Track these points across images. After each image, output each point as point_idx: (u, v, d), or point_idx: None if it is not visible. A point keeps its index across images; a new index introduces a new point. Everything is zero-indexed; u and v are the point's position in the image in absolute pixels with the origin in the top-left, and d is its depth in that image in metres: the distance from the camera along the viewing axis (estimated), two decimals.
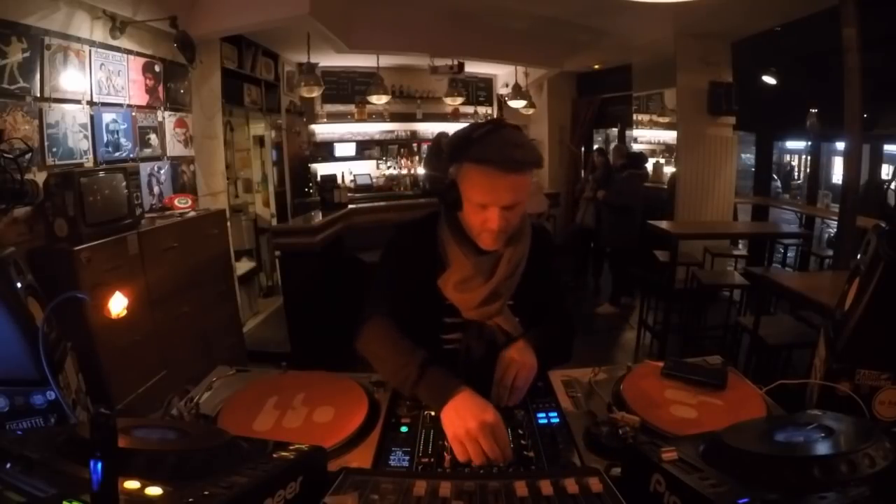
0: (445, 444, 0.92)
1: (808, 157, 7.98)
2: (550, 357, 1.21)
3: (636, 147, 6.29)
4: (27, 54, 2.36)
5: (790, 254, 5.54)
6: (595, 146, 7.46)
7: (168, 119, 3.46)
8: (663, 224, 4.29)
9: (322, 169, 6.09)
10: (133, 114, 3.11)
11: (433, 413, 1.01)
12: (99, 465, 0.49)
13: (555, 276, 1.35)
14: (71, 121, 2.63)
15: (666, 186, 5.78)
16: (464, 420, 0.91)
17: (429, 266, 1.20)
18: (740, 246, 5.17)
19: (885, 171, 5.86)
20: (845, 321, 1.03)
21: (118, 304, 1.29)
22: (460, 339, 1.21)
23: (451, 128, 5.66)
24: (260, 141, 5.29)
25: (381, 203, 5.25)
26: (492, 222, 1.10)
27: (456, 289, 1.18)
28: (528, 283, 1.23)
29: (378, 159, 6.86)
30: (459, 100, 6.35)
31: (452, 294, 1.18)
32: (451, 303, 1.20)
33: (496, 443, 0.88)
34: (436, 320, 1.21)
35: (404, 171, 6.86)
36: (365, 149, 6.79)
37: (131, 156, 3.10)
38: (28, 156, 2.25)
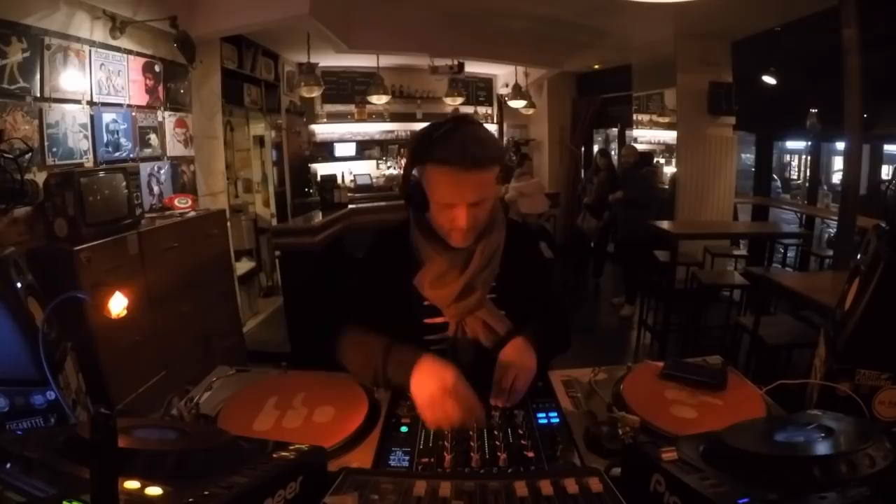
0: (445, 444, 0.92)
1: (808, 157, 7.98)
2: (550, 352, 1.21)
3: (637, 147, 6.31)
4: (27, 54, 2.36)
5: (790, 254, 5.54)
6: (595, 146, 7.46)
7: (168, 119, 3.46)
8: (663, 224, 4.30)
9: (322, 169, 6.10)
10: (133, 114, 3.11)
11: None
12: (99, 465, 0.49)
13: (544, 269, 1.34)
14: (71, 121, 2.63)
15: (666, 186, 5.80)
16: (427, 387, 0.94)
17: (405, 269, 1.20)
18: (741, 246, 5.18)
19: (885, 171, 5.86)
20: (845, 321, 1.03)
21: (118, 304, 1.29)
22: (445, 339, 1.21)
23: None
24: (260, 141, 5.29)
25: (381, 203, 5.25)
26: (459, 220, 1.10)
27: (432, 286, 1.18)
28: (509, 275, 1.23)
29: (378, 159, 6.87)
30: (459, 100, 6.36)
31: (429, 292, 1.18)
32: (431, 303, 1.20)
33: (460, 404, 0.91)
34: (417, 322, 1.21)
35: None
36: (365, 149, 6.80)
37: (131, 156, 3.10)
38: (28, 156, 2.25)
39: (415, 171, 1.14)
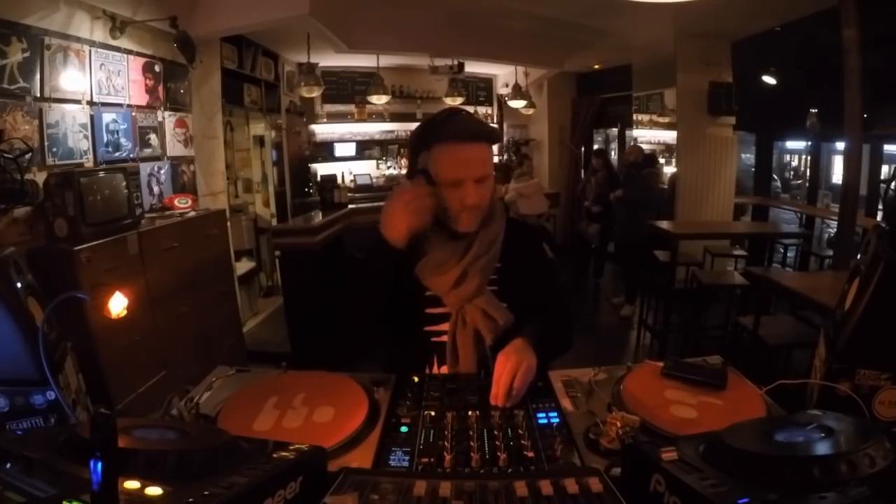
0: (445, 444, 0.92)
1: (808, 157, 7.98)
2: (551, 353, 1.23)
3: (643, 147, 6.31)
4: (27, 54, 2.36)
5: (790, 254, 5.54)
6: (595, 146, 7.46)
7: (168, 119, 3.46)
8: (663, 224, 4.30)
9: (322, 169, 6.10)
10: (133, 114, 3.11)
11: (433, 412, 1.02)
12: (99, 465, 0.49)
13: (546, 268, 1.38)
14: (71, 121, 2.63)
15: (666, 186, 5.80)
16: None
17: (408, 261, 1.25)
18: (745, 244, 5.17)
19: (885, 171, 5.86)
20: (845, 321, 1.03)
21: (118, 304, 1.29)
22: (447, 330, 1.24)
23: None
24: (260, 141, 5.29)
25: (381, 203, 5.22)
26: (469, 197, 1.18)
27: (432, 273, 1.24)
28: (510, 269, 1.29)
29: (378, 159, 6.87)
30: (459, 100, 6.35)
31: (430, 279, 1.24)
32: (432, 293, 1.25)
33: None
34: (419, 312, 1.26)
35: (404, 171, 6.86)
36: (365, 149, 6.80)
37: (131, 156, 3.09)
38: (28, 156, 2.25)
39: (420, 158, 1.23)
